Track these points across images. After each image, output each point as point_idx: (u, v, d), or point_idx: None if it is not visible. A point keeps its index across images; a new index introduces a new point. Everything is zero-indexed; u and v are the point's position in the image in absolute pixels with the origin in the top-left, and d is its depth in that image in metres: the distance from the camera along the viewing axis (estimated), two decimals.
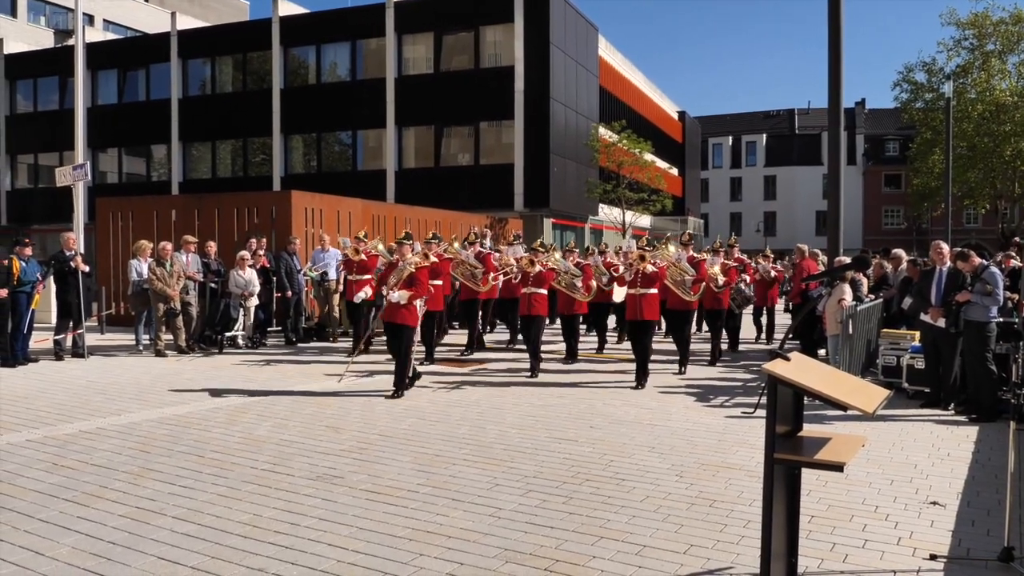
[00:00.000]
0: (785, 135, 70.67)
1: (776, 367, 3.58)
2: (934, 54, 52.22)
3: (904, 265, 12.66)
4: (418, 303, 9.74)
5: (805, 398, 3.87)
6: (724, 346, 14.01)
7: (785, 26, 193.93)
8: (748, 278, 14.95)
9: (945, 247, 9.60)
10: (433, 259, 11.79)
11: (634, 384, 10.48)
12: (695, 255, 12.20)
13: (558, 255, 12.89)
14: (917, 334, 10.10)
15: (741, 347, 14.89)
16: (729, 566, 4.51)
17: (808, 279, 12.91)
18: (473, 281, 13.57)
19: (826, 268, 13.63)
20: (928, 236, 49.74)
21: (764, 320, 16.76)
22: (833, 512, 5.42)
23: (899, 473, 6.44)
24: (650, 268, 10.51)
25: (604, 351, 14.31)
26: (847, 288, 10.47)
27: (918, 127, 46.15)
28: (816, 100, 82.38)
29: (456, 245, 14.05)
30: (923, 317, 9.46)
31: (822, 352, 11.92)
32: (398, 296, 9.43)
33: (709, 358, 12.91)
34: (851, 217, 57.33)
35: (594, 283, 12.71)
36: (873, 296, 12.15)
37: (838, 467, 3.57)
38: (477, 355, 13.53)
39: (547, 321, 11.96)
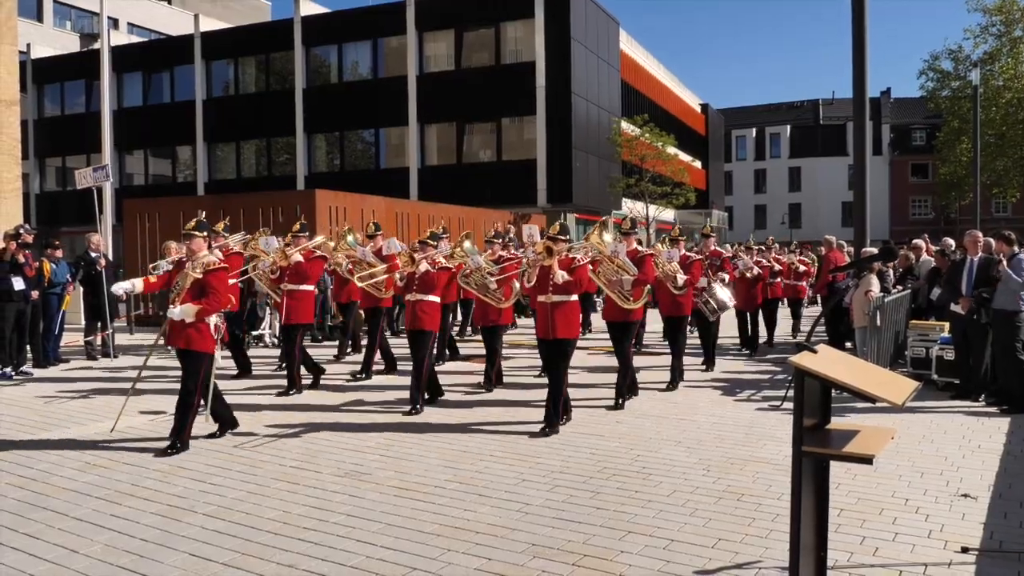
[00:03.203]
0: (810, 126, 70.02)
1: (803, 360, 3.55)
2: (960, 41, 51.52)
3: (926, 255, 12.55)
4: (213, 320, 7.11)
5: (833, 391, 3.84)
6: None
7: (809, 16, 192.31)
8: (727, 276, 12.24)
9: (980, 236, 9.46)
10: (298, 257, 9.83)
11: (541, 428, 7.66)
12: (641, 248, 9.29)
13: (468, 244, 10.19)
14: (946, 325, 9.99)
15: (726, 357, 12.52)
16: (758, 560, 4.49)
17: (835, 271, 12.83)
18: (374, 286, 10.76)
19: (852, 260, 13.50)
20: (957, 226, 49.16)
21: (766, 325, 14.35)
22: (863, 505, 5.38)
23: (929, 465, 6.38)
24: (560, 279, 7.64)
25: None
26: (874, 279, 10.38)
27: (945, 116, 45.58)
28: (841, 90, 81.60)
29: (351, 238, 11.48)
30: (953, 307, 9.35)
31: (849, 344, 11.82)
32: (180, 311, 6.92)
33: (667, 383, 10.09)
34: (878, 208, 56.77)
35: (517, 284, 9.92)
36: (900, 287, 12.05)
37: (867, 460, 3.54)
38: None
39: (436, 336, 9.15)
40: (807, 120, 70.71)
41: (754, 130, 71.03)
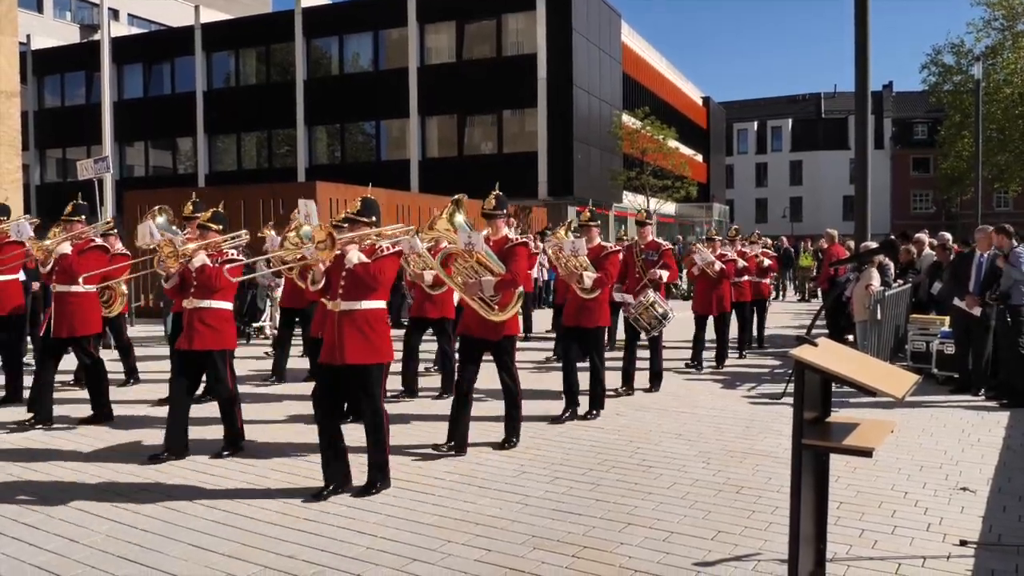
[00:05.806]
0: (811, 119, 69.95)
1: (804, 353, 3.56)
2: (963, 35, 51.22)
3: (927, 249, 12.54)
4: None
5: (833, 384, 3.84)
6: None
7: (811, 9, 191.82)
8: (666, 275, 9.11)
9: (992, 232, 9.40)
10: (65, 248, 7.54)
11: (321, 489, 5.50)
12: (512, 237, 6.83)
13: (308, 229, 6.51)
14: (947, 319, 9.99)
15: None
16: (757, 552, 4.50)
17: (836, 264, 12.83)
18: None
19: (853, 253, 13.48)
20: (958, 220, 49.12)
21: (737, 335, 12.21)
22: (862, 498, 5.39)
23: (929, 459, 6.39)
24: (356, 258, 5.44)
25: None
26: (875, 273, 10.38)
27: (947, 110, 45.47)
28: (842, 84, 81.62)
29: (174, 229, 7.98)
30: (956, 302, 9.33)
31: (850, 338, 11.82)
32: None
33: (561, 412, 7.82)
34: (879, 202, 56.69)
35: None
36: (901, 281, 12.05)
37: (867, 453, 3.54)
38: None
39: (229, 355, 6.66)
40: (809, 114, 70.65)
41: (755, 123, 70.96)
